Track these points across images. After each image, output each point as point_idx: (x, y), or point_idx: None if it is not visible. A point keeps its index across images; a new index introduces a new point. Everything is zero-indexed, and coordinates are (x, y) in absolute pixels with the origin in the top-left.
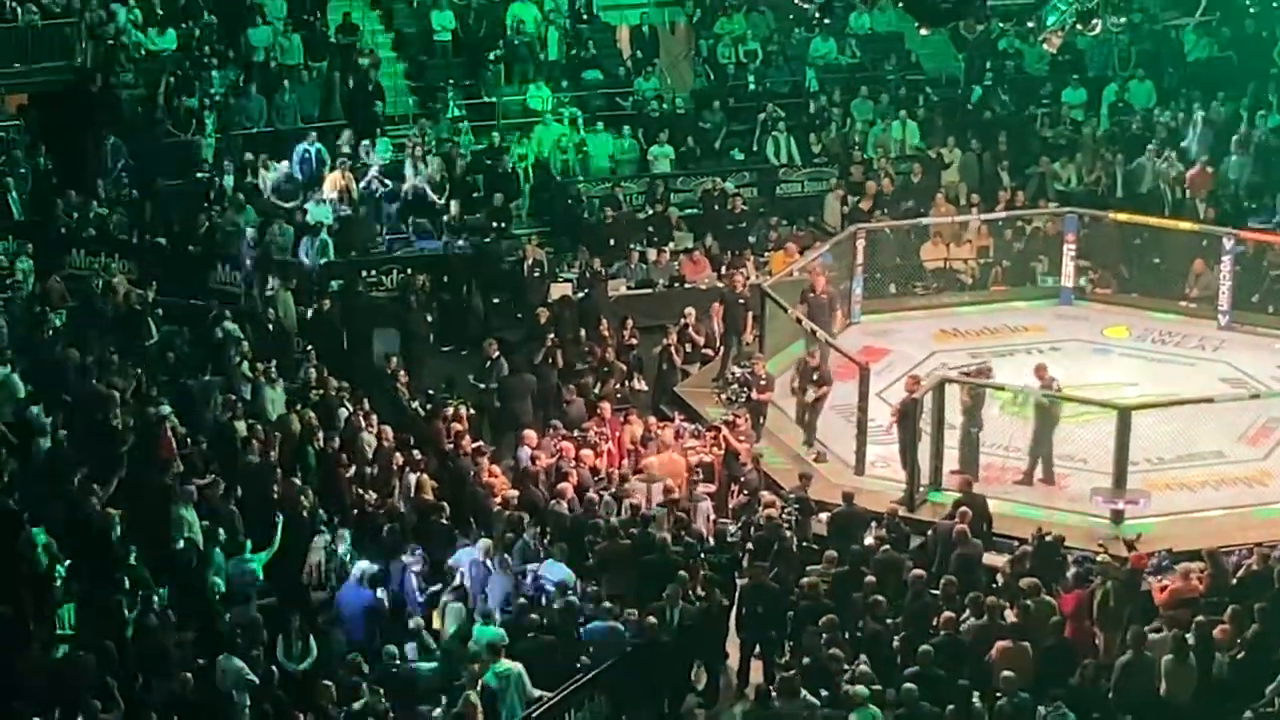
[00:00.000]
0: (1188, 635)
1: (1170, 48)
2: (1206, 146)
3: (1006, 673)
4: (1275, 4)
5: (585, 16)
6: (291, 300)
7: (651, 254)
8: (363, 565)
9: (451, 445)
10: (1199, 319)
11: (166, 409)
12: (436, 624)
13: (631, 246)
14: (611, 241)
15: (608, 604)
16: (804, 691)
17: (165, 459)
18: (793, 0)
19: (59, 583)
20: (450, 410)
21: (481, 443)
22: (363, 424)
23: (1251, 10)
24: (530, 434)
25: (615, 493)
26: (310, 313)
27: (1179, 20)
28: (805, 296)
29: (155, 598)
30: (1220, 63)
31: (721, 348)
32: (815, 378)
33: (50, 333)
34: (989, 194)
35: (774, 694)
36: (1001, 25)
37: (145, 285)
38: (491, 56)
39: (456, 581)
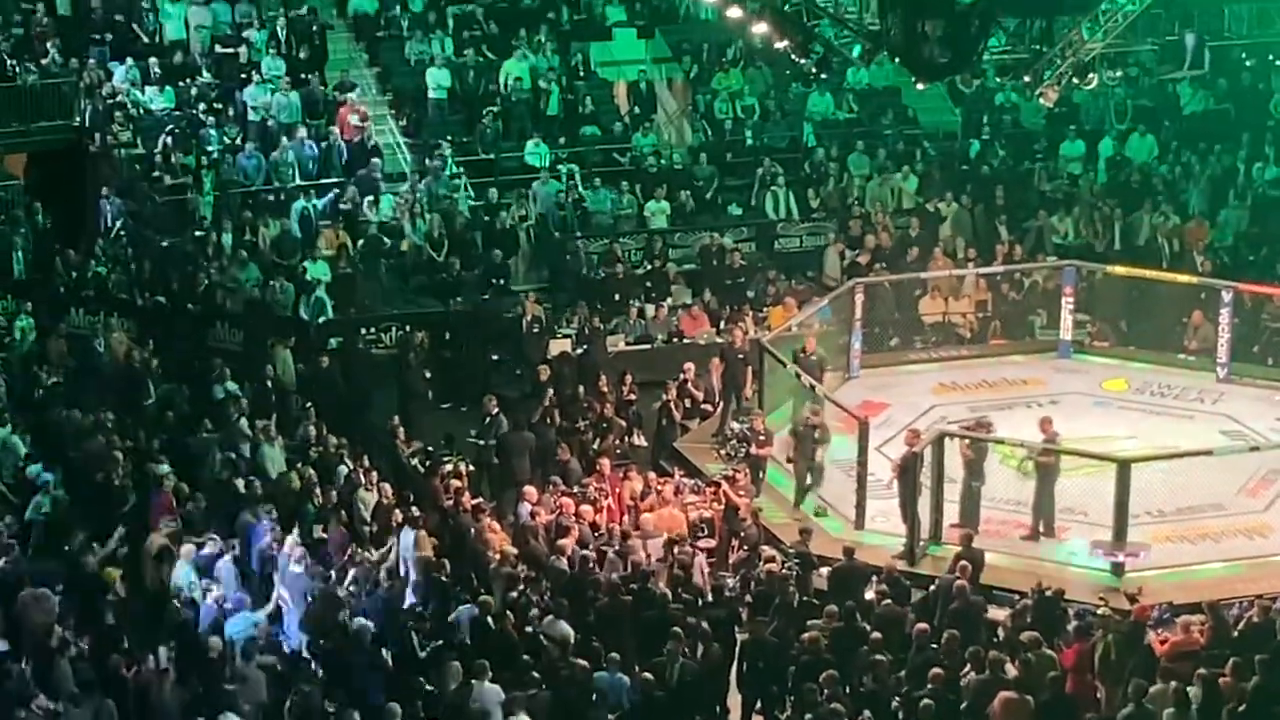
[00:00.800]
0: (1189, 688)
1: (1167, 101)
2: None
3: None
4: (1271, 56)
5: (582, 73)
6: (290, 357)
7: (650, 310)
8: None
9: (451, 502)
10: (1198, 371)
11: (165, 468)
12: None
13: (630, 302)
14: (617, 297)
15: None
16: None
17: (164, 517)
18: (789, 56)
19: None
20: (449, 467)
21: (481, 499)
22: (362, 481)
23: (1248, 64)
24: (530, 490)
25: (617, 549)
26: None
27: (1174, 74)
28: (796, 356)
29: (154, 656)
30: (1217, 116)
31: (720, 403)
32: (817, 436)
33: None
34: (987, 248)
35: None
36: (998, 79)
37: (144, 344)
38: (488, 114)
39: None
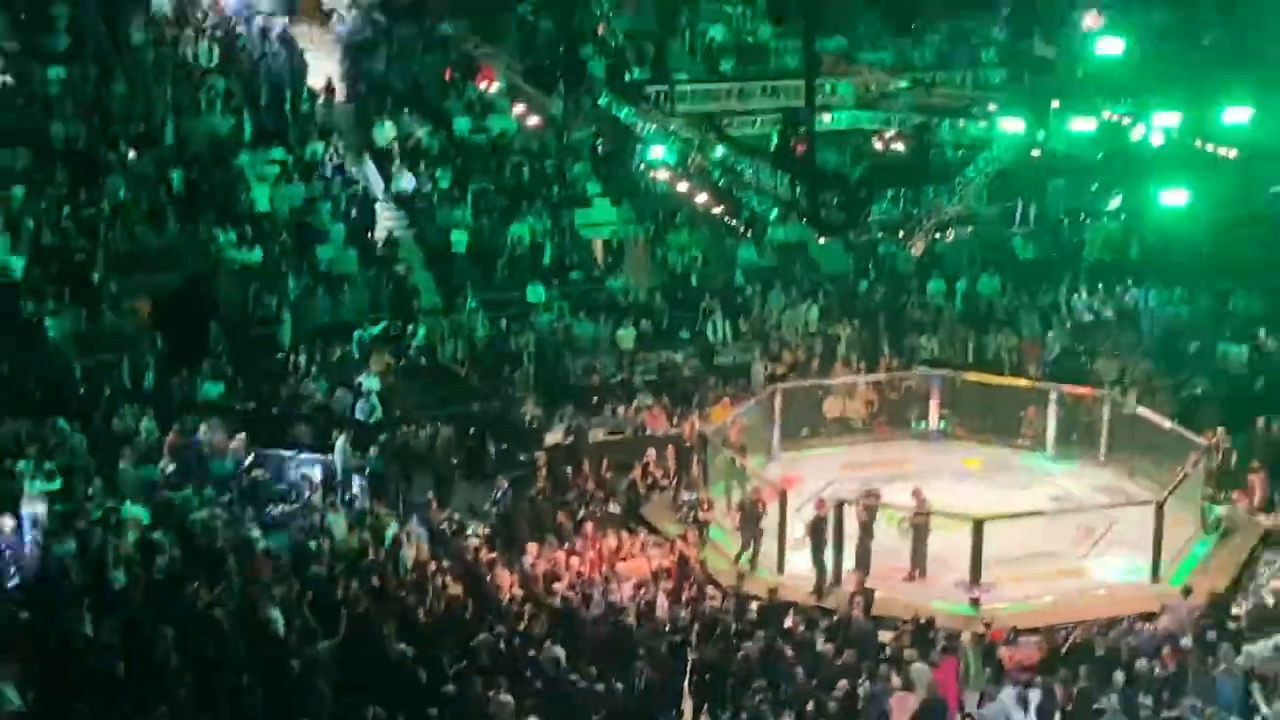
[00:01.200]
0: (1030, 691)
1: (1006, 250)
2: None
3: None
4: (1082, 216)
5: (569, 233)
6: (350, 448)
7: (621, 409)
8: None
9: (472, 556)
10: (1033, 452)
11: (257, 533)
12: None
13: (606, 404)
14: (595, 400)
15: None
16: None
17: (258, 571)
18: (724, 218)
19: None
20: (471, 530)
21: (495, 554)
22: (405, 541)
23: (1065, 222)
24: (532, 547)
25: (599, 590)
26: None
27: (1011, 231)
28: (725, 443)
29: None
30: (1044, 261)
31: (675, 479)
32: (760, 510)
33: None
34: (873, 361)
35: None
36: (881, 235)
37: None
38: (499, 264)
39: None
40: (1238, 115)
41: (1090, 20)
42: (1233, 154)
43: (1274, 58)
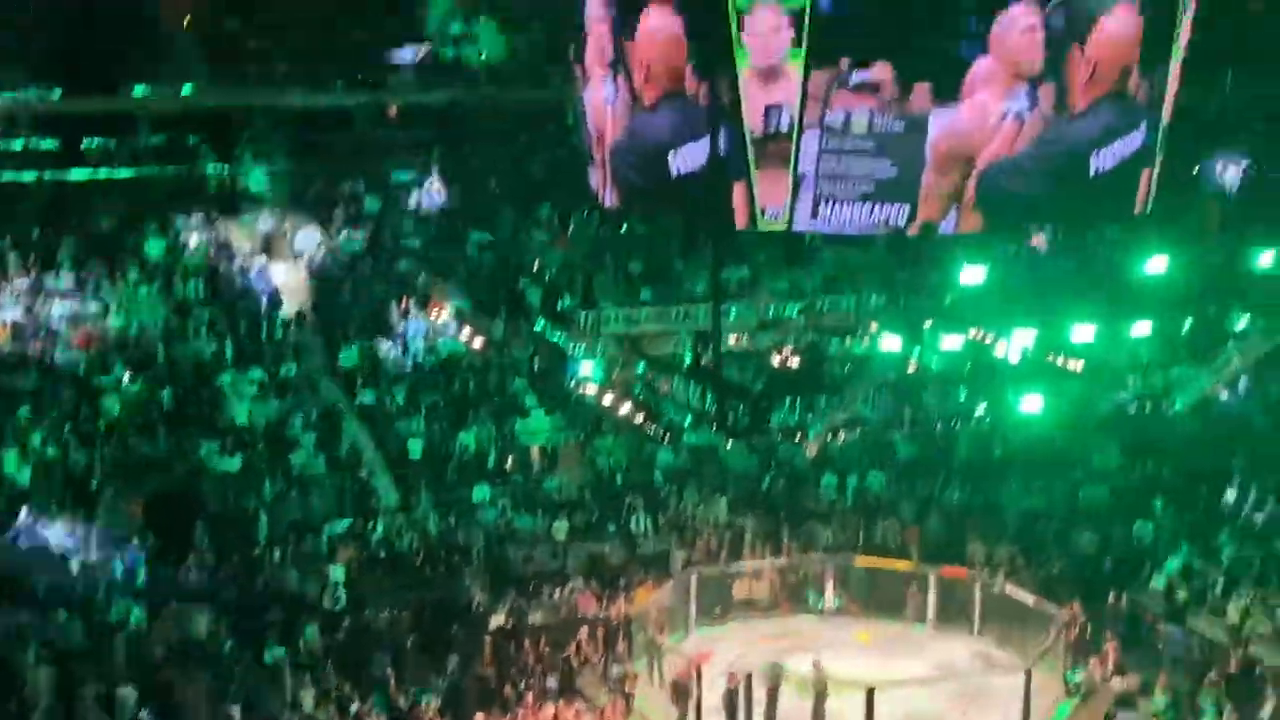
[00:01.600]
0: None
1: (889, 449)
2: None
3: None
4: (952, 422)
5: (510, 440)
6: (317, 630)
7: (557, 593)
8: None
9: None
10: (915, 625)
11: (236, 709)
12: None
13: (544, 589)
14: (533, 586)
15: None
16: None
17: None
18: (644, 427)
19: None
20: (424, 703)
21: None
22: (366, 714)
23: (939, 426)
24: (479, 716)
25: None
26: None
27: (892, 432)
28: (647, 623)
29: None
30: (922, 458)
31: (604, 655)
32: (690, 687)
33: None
34: (776, 547)
35: None
36: (780, 438)
37: (220, 622)
38: (449, 467)
39: None
40: (1083, 333)
41: None
42: (1079, 366)
43: (1113, 283)
